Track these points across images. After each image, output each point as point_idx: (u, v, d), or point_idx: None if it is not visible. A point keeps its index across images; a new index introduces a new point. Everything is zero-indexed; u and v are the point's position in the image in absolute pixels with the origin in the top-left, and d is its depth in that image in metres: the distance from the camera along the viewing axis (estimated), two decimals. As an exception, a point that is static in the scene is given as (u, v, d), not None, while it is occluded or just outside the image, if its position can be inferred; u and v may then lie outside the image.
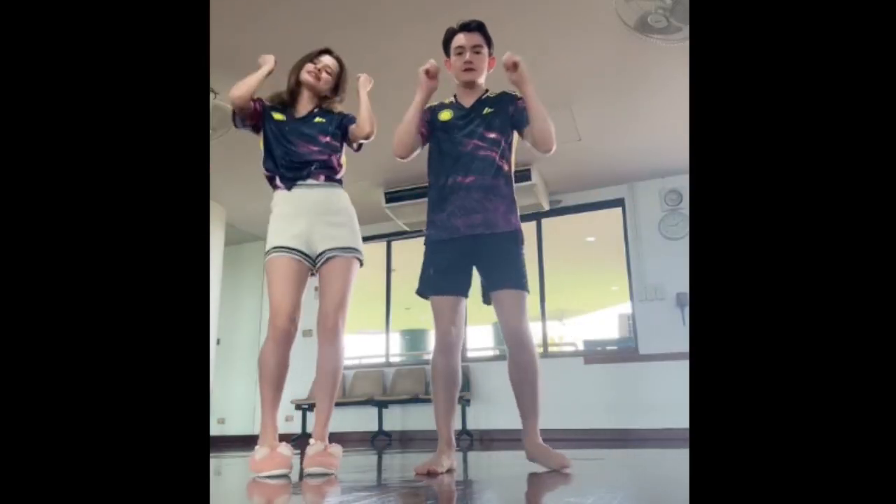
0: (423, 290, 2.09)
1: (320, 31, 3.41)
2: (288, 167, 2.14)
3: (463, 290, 2.06)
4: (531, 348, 1.99)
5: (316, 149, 2.16)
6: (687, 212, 5.38)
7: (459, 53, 2.09)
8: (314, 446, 1.99)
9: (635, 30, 2.99)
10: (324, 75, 2.24)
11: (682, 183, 5.46)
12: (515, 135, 2.14)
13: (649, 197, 5.60)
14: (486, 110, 2.09)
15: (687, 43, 2.74)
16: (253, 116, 2.19)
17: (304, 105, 2.25)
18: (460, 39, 2.10)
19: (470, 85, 2.13)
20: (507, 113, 2.09)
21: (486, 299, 2.06)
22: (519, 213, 2.10)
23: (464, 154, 2.05)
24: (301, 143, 2.16)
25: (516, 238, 2.05)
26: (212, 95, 3.83)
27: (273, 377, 2.05)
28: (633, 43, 3.34)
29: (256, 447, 1.98)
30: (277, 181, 2.15)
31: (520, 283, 2.00)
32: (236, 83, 2.13)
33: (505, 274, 2.01)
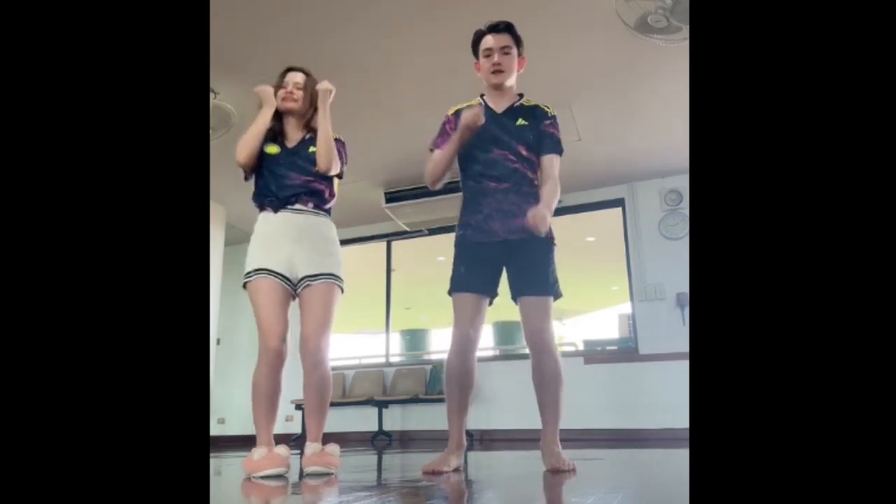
0: (452, 288, 2.06)
1: (321, 30, 3.41)
2: (276, 195, 2.14)
3: (489, 292, 2.05)
4: (554, 354, 1.97)
5: (310, 178, 2.16)
6: (687, 212, 5.38)
7: (488, 56, 2.07)
8: (311, 446, 1.99)
9: (635, 30, 2.99)
10: (296, 93, 2.21)
11: (682, 183, 5.46)
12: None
13: (649, 197, 5.60)
14: (520, 121, 2.08)
15: (687, 43, 2.74)
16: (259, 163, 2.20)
17: (294, 131, 2.23)
18: (489, 41, 2.08)
19: (499, 87, 2.10)
20: (538, 130, 2.09)
21: (516, 298, 2.06)
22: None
23: (497, 162, 2.06)
24: (294, 175, 2.15)
25: (549, 243, 2.05)
26: (212, 95, 3.83)
27: (268, 402, 2.07)
28: (633, 43, 3.33)
29: (254, 448, 1.99)
30: (266, 204, 2.15)
31: (546, 289, 2.00)
32: (239, 143, 2.14)
33: (534, 279, 2.00)
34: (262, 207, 2.17)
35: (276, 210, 2.12)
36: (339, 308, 2.15)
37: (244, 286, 2.14)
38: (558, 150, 2.10)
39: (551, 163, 2.08)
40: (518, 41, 2.11)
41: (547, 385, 1.95)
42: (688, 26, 2.85)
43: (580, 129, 4.64)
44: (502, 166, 2.04)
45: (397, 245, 6.64)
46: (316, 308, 2.08)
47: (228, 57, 3.54)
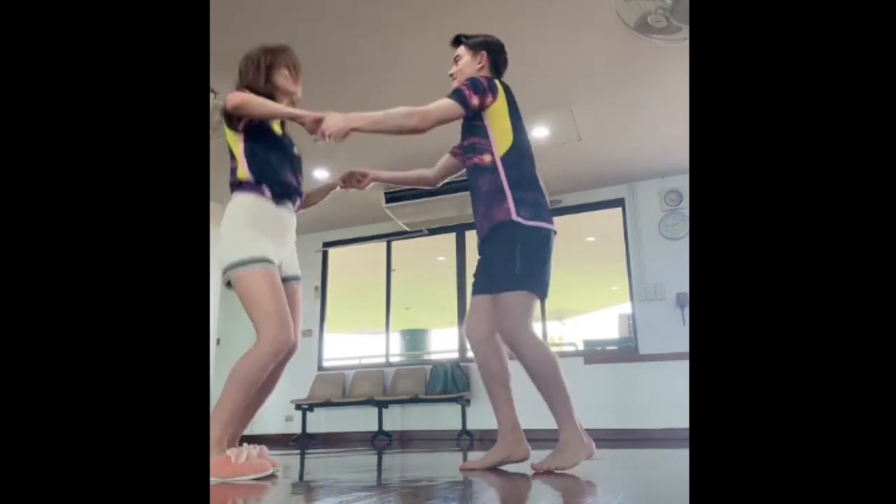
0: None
1: (322, 31, 3.41)
2: (281, 185, 2.01)
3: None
4: (532, 346, 1.92)
5: (301, 178, 2.11)
6: (687, 212, 5.38)
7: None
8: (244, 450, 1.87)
9: (635, 30, 2.99)
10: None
11: (682, 183, 5.46)
12: (485, 116, 2.03)
13: (649, 197, 5.60)
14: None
15: (687, 43, 2.74)
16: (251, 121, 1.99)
17: (278, 127, 2.10)
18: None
19: None
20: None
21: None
22: (513, 204, 1.95)
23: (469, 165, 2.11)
24: (290, 170, 2.07)
25: (512, 231, 1.94)
26: (212, 95, 3.83)
27: (256, 397, 1.95)
28: (633, 43, 3.33)
29: (230, 450, 1.82)
30: (265, 189, 1.97)
31: (508, 283, 1.92)
32: (247, 98, 1.90)
33: (493, 273, 1.99)
34: (256, 190, 1.96)
35: (276, 203, 1.99)
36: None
37: (239, 270, 1.89)
38: (451, 93, 2.02)
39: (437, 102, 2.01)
40: (469, 45, 2.18)
41: (539, 377, 1.92)
42: (688, 26, 2.85)
43: (580, 129, 4.64)
44: (469, 168, 2.11)
45: (397, 245, 6.64)
46: (299, 310, 2.07)
47: (228, 57, 3.54)
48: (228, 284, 1.96)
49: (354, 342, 9.69)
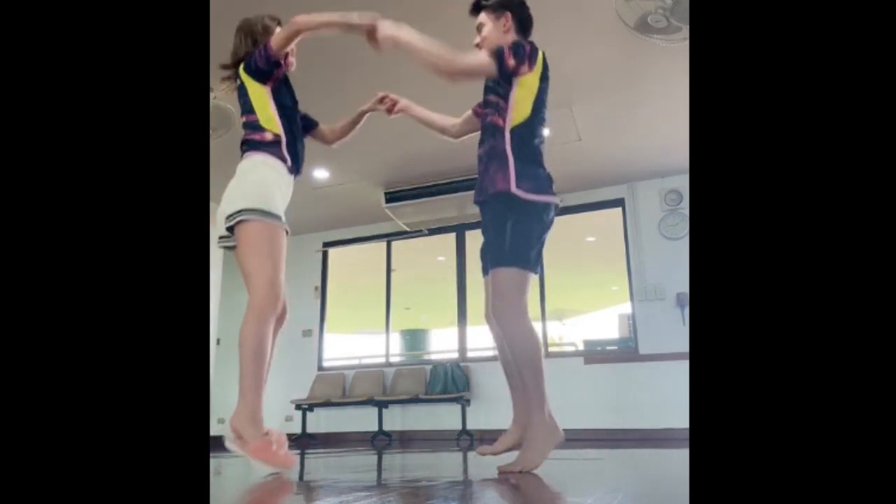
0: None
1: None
2: (298, 161, 2.03)
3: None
4: (518, 330, 1.88)
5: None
6: (687, 212, 5.38)
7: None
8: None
9: (635, 30, 2.99)
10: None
11: (682, 183, 5.46)
12: (515, 82, 1.98)
13: (649, 197, 5.60)
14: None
15: (687, 43, 2.74)
16: (279, 68, 1.98)
17: None
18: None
19: None
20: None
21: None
22: (514, 175, 1.90)
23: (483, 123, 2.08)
24: (303, 145, 2.11)
25: (506, 200, 1.90)
26: (212, 95, 3.83)
27: (265, 360, 1.86)
28: (633, 43, 3.33)
29: (271, 433, 1.80)
30: (285, 151, 1.97)
31: (499, 258, 1.89)
32: (304, 17, 1.88)
33: (488, 247, 1.97)
34: (276, 152, 1.96)
35: (291, 171, 2.00)
36: None
37: (253, 217, 1.86)
38: (492, 51, 1.98)
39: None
40: (490, 7, 2.10)
41: (523, 363, 1.86)
42: (688, 26, 2.85)
43: (580, 129, 4.64)
44: (484, 125, 2.07)
45: (397, 245, 6.64)
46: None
47: (228, 57, 3.54)
48: (228, 232, 1.91)
49: (354, 342, 9.69)
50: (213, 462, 3.01)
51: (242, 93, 2.03)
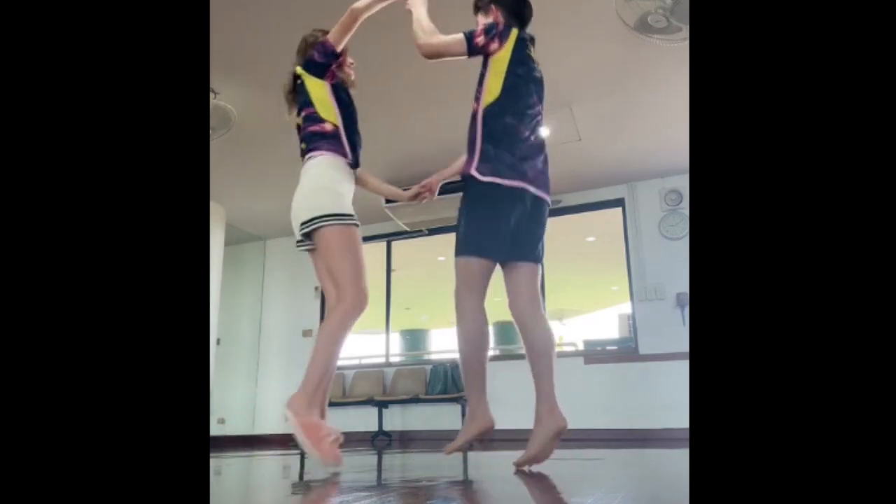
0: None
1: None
2: (357, 156, 2.11)
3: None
4: (458, 319, 1.87)
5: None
6: (687, 212, 5.38)
7: None
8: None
9: (635, 30, 2.99)
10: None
11: (682, 183, 5.46)
12: (488, 62, 1.99)
13: (649, 197, 5.60)
14: None
15: (687, 43, 2.74)
16: (336, 59, 2.09)
17: None
18: None
19: None
20: None
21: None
22: (477, 157, 1.89)
23: None
24: (360, 138, 2.17)
25: (469, 185, 1.90)
26: (212, 95, 3.83)
27: (335, 357, 1.94)
28: (633, 43, 3.33)
29: (307, 412, 1.83)
30: (345, 142, 2.05)
31: (458, 245, 1.90)
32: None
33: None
34: (340, 151, 2.05)
35: (353, 167, 2.10)
36: None
37: (333, 222, 1.95)
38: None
39: None
40: (480, 5, 2.14)
41: (466, 358, 1.86)
42: (688, 26, 2.85)
43: (580, 129, 4.64)
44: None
45: (397, 245, 6.64)
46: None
47: (229, 57, 3.54)
48: (306, 237, 1.99)
49: (354, 342, 9.68)
50: (213, 462, 3.01)
51: (302, 91, 2.11)
